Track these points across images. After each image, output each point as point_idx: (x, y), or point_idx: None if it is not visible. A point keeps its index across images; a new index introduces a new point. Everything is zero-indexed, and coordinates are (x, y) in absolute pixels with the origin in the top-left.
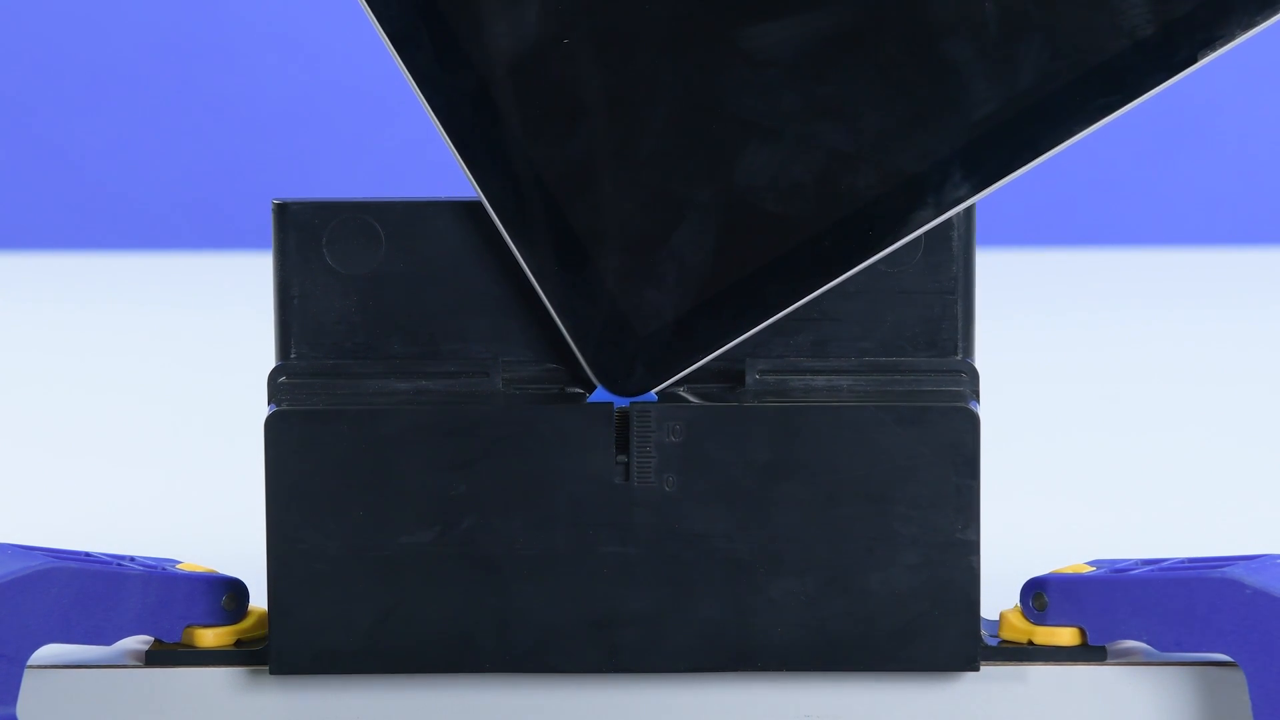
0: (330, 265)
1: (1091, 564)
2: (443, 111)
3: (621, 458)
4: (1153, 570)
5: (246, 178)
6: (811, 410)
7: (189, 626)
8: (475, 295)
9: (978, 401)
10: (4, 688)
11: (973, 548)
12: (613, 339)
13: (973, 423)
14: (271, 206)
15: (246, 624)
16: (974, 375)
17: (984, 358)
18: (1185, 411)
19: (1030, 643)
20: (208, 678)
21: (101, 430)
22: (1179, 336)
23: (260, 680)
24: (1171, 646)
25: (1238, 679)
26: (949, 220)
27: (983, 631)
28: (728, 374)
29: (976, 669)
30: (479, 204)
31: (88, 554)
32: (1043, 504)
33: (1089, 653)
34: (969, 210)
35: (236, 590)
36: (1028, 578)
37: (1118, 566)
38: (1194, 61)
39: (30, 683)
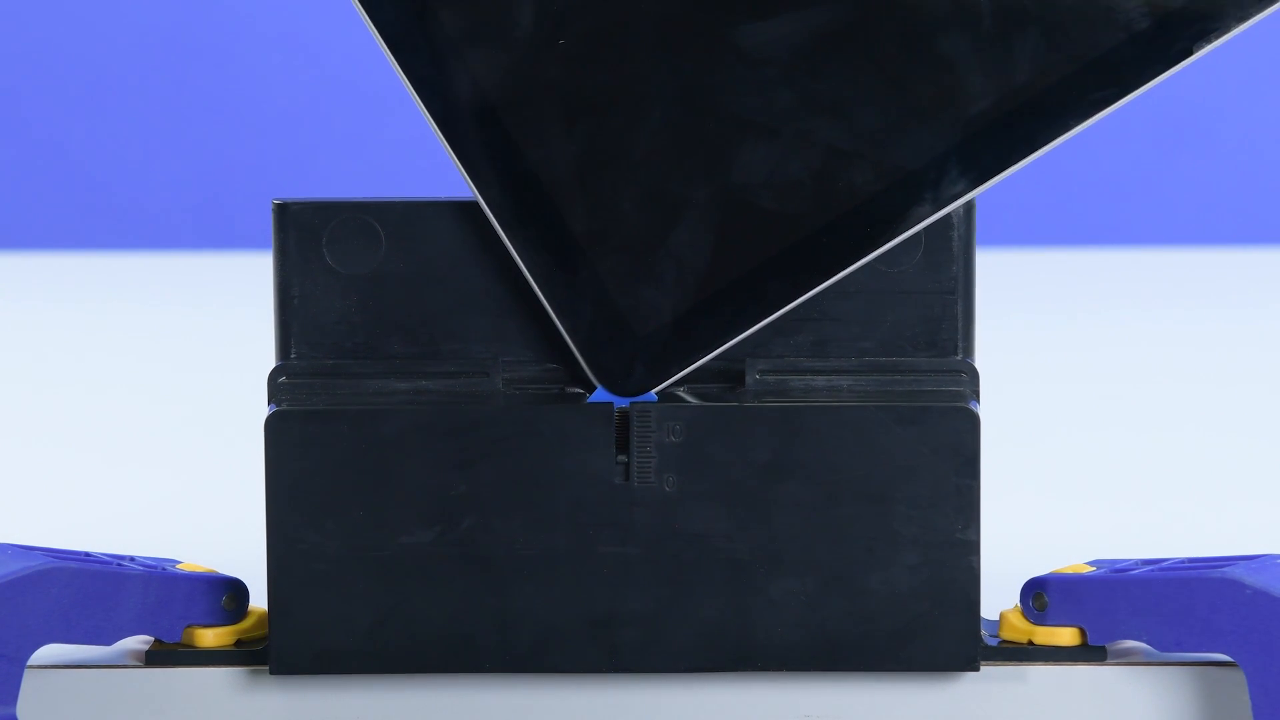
0: (330, 265)
1: (1091, 564)
2: (439, 115)
3: (621, 458)
4: (1153, 570)
5: (246, 178)
6: (812, 410)
7: (189, 626)
8: (475, 295)
9: (978, 401)
10: (4, 688)
11: (973, 548)
12: (612, 339)
13: (973, 423)
14: (271, 206)
15: (246, 624)
16: (974, 375)
17: (984, 358)
18: (1185, 411)
19: (1030, 643)
20: (208, 678)
21: (101, 430)
22: (1179, 336)
23: (260, 680)
24: (1171, 646)
25: (1238, 679)
26: (949, 220)
27: (983, 631)
28: (728, 374)
29: (976, 669)
30: (478, 204)
31: (88, 554)
32: (1043, 504)
33: (1089, 653)
34: (969, 210)
35: (236, 590)
36: (1028, 578)
37: (1118, 566)
38: (1190, 54)
39: (30, 683)
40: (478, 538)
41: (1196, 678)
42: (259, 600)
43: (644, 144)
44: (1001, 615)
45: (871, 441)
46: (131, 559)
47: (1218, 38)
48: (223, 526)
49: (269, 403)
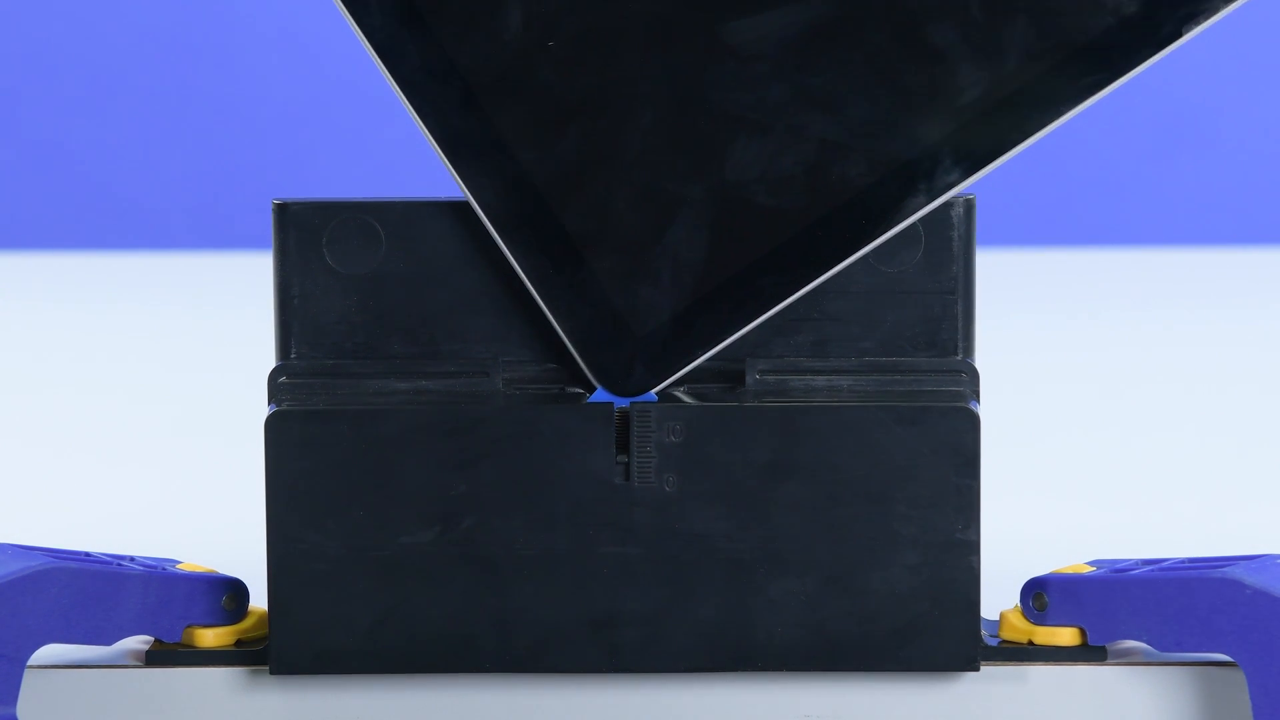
0: (330, 265)
1: (1091, 564)
2: (431, 119)
3: (622, 458)
4: (1153, 570)
5: (246, 178)
6: (812, 410)
7: (189, 626)
8: (475, 295)
9: (978, 401)
10: (4, 688)
11: (973, 548)
12: (611, 340)
13: (973, 423)
14: (271, 206)
15: (246, 624)
16: (974, 375)
17: (984, 358)
18: (1185, 411)
19: (1030, 643)
20: (208, 678)
21: (102, 430)
22: (1179, 336)
23: (260, 680)
24: (1171, 646)
25: (1238, 679)
26: (949, 220)
27: (983, 631)
28: (728, 374)
29: (976, 669)
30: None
31: (88, 554)
32: (1043, 504)
33: (1089, 653)
34: (969, 210)
35: (236, 590)
36: (1028, 578)
37: (1118, 566)
38: (1179, 36)
39: (30, 683)
40: (478, 538)
41: (1196, 678)
42: (259, 600)
43: (636, 143)
44: (1001, 615)
45: (871, 441)
46: (131, 559)
47: (1206, 19)
48: (223, 526)
49: (269, 403)
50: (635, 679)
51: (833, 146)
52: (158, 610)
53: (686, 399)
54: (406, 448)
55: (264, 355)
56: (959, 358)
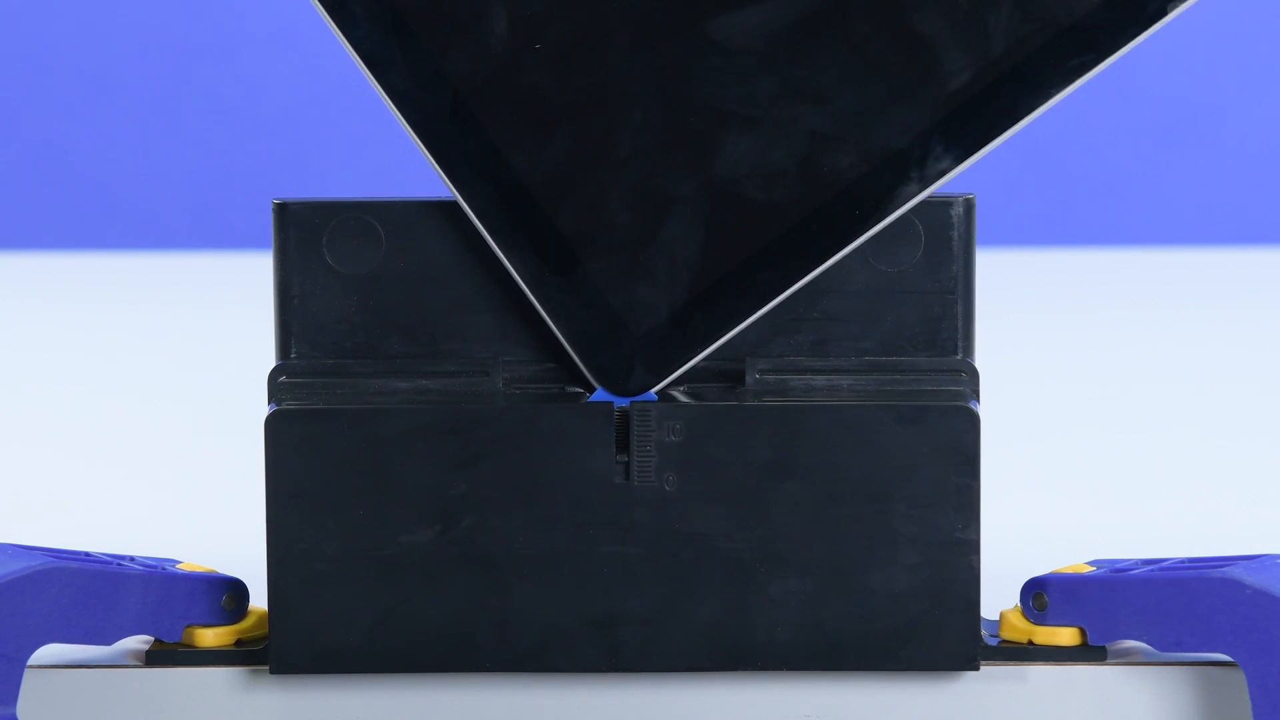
0: (330, 265)
1: (1091, 564)
2: (420, 126)
3: (622, 457)
4: (1153, 570)
5: (246, 178)
6: (812, 410)
7: (189, 626)
8: (475, 295)
9: (978, 401)
10: (4, 688)
11: (973, 547)
12: (610, 340)
13: (973, 422)
14: (271, 206)
15: (246, 624)
16: (974, 375)
17: (984, 358)
18: (1185, 411)
19: (1030, 643)
20: (208, 678)
21: (101, 430)
22: (1179, 336)
23: (260, 680)
24: (1171, 646)
25: (1238, 679)
26: (949, 220)
27: (983, 631)
28: (728, 374)
29: (976, 669)
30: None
31: (88, 554)
32: (1043, 504)
33: (1089, 653)
34: (969, 210)
35: (236, 590)
36: (1028, 578)
37: (1118, 566)
38: (1164, 14)
39: (30, 683)
40: (478, 537)
41: (1196, 678)
42: (259, 600)
43: (627, 142)
44: (1001, 615)
45: (872, 441)
46: (131, 559)
47: None
48: (223, 526)
49: (269, 402)
50: (635, 678)
51: (823, 138)
52: (158, 610)
53: (686, 399)
54: (406, 447)
55: (264, 355)
56: (959, 357)
